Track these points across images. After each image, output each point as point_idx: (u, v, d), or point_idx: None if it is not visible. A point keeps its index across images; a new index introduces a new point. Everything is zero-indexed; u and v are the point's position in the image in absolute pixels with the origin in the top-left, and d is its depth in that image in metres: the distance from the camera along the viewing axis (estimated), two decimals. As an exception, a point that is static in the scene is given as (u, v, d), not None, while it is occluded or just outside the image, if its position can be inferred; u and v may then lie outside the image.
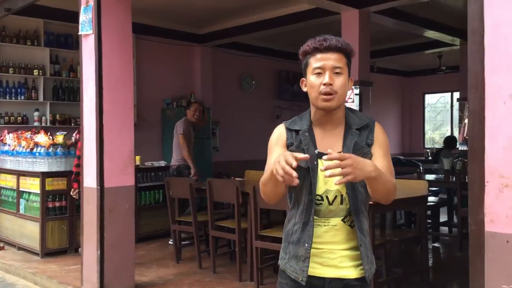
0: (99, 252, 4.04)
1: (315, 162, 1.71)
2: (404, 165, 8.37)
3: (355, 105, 6.21)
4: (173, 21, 7.57)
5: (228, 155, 8.80)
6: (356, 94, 6.20)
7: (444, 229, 6.52)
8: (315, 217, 1.72)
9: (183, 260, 5.30)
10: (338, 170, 1.46)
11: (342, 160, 1.47)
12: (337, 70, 1.69)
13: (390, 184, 1.65)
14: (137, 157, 6.59)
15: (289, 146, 1.78)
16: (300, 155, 1.52)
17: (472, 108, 1.95)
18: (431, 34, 8.05)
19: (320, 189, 1.72)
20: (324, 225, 1.72)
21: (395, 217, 6.09)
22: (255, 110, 9.30)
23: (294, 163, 1.46)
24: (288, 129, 1.81)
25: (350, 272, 1.71)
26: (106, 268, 4.06)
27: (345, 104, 1.80)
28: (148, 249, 5.96)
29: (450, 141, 7.83)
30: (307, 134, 1.77)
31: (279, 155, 1.53)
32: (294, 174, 1.45)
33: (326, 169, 1.46)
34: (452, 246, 5.91)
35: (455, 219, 6.39)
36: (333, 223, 1.72)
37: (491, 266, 1.92)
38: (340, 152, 1.68)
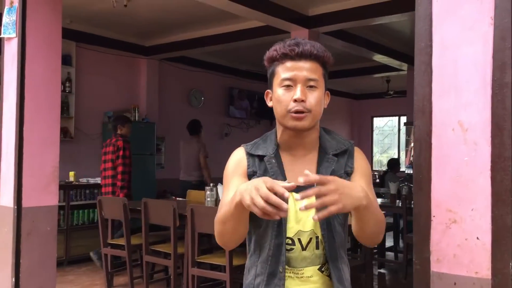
0: (13, 280, 3.60)
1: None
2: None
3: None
4: (118, 32, 7.22)
5: (173, 172, 8.43)
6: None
7: (390, 254, 6.45)
8: (287, 266, 1.40)
9: (115, 287, 4.91)
10: (318, 200, 1.12)
11: (324, 184, 1.13)
12: (311, 83, 1.39)
13: (381, 217, 1.34)
14: (71, 173, 6.17)
15: (250, 176, 1.44)
16: (285, 184, 1.16)
17: (419, 135, 1.78)
18: (379, 58, 8.12)
19: (291, 230, 1.40)
20: (296, 277, 1.40)
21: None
22: (204, 127, 9.02)
23: (287, 194, 1.13)
24: (250, 154, 1.48)
25: None
26: (21, 298, 3.63)
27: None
28: (78, 273, 5.52)
29: (393, 163, 7.88)
30: (273, 160, 1.45)
31: (255, 181, 1.19)
32: (285, 206, 1.12)
33: (302, 198, 1.13)
34: (398, 273, 5.82)
35: (401, 244, 6.33)
36: (308, 274, 1.40)
37: (436, 310, 1.73)
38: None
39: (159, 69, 8.20)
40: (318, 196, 1.14)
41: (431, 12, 1.77)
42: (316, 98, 1.40)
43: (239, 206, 1.23)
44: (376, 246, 1.34)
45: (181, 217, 4.19)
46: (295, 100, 1.37)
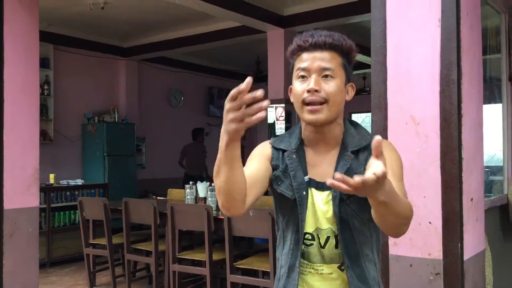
0: (-4, 281, 3.66)
1: (304, 193, 1.36)
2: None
3: (281, 125, 6.23)
4: (96, 33, 7.25)
5: (154, 172, 8.51)
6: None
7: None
8: (305, 261, 1.39)
9: (98, 286, 4.97)
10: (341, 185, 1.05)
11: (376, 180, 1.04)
12: (327, 73, 1.32)
13: (406, 211, 1.20)
14: (51, 175, 6.19)
15: (274, 168, 1.42)
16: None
17: (375, 129, 1.92)
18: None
19: (310, 226, 1.37)
20: (316, 273, 1.38)
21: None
22: (184, 127, 9.08)
23: (244, 85, 1.07)
24: (274, 148, 1.43)
25: None
26: (4, 299, 3.69)
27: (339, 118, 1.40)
28: (61, 274, 5.55)
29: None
30: (294, 156, 1.40)
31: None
32: (242, 86, 1.07)
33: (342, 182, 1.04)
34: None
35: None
36: (328, 271, 1.37)
37: (395, 290, 1.88)
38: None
39: (138, 70, 8.25)
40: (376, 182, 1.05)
41: (385, 15, 1.91)
42: (332, 88, 1.32)
43: (227, 146, 1.17)
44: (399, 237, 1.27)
45: (162, 215, 4.28)
46: (309, 91, 1.31)
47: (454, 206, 1.75)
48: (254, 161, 1.41)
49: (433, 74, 1.80)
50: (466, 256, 1.77)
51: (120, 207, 4.52)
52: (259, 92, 1.07)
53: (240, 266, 3.74)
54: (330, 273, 1.36)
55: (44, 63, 6.66)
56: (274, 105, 6.25)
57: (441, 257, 1.77)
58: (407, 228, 1.26)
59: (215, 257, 3.86)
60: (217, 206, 4.07)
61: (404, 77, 1.87)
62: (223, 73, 9.78)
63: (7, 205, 3.66)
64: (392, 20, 1.89)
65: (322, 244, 1.36)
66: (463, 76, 1.77)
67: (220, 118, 10.09)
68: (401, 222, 1.22)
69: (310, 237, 1.37)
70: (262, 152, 1.44)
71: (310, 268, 1.38)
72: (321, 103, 1.31)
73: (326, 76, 1.32)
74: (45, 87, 6.76)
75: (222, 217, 3.74)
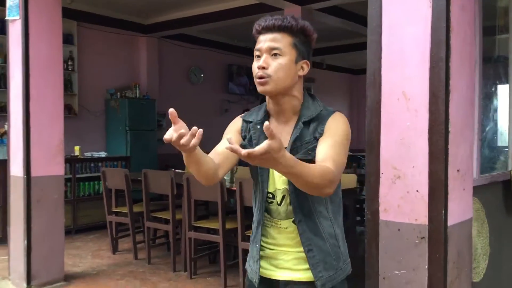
0: (26, 243, 3.95)
1: None
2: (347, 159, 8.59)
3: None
4: (118, 10, 7.43)
5: (174, 147, 8.73)
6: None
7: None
8: (269, 216, 1.61)
9: (120, 252, 5.27)
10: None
11: (265, 152, 1.23)
12: (275, 52, 1.51)
13: (316, 180, 1.36)
14: (76, 148, 6.48)
15: (244, 138, 1.65)
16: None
17: (370, 104, 2.05)
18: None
19: (270, 186, 1.60)
20: (277, 226, 1.60)
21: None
22: (203, 103, 9.27)
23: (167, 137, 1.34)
24: (244, 120, 1.67)
25: (306, 275, 1.57)
26: (33, 259, 3.98)
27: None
28: (85, 240, 5.88)
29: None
30: (258, 126, 1.62)
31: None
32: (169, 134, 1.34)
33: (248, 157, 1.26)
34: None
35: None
36: (284, 226, 1.59)
37: (384, 253, 2.04)
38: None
39: (158, 47, 8.42)
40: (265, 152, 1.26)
41: (381, -4, 2.02)
42: (277, 64, 1.51)
43: (187, 157, 1.43)
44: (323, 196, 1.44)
45: (179, 186, 4.50)
46: (258, 68, 1.52)
47: (439, 176, 1.89)
48: (229, 138, 1.56)
49: (423, 53, 1.92)
50: (450, 223, 1.91)
51: (140, 178, 4.76)
52: (182, 131, 1.31)
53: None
54: (286, 228, 1.59)
55: (68, 39, 6.88)
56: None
57: (426, 223, 1.92)
58: (325, 191, 1.41)
59: (228, 226, 4.08)
60: (230, 178, 4.26)
61: (397, 56, 1.99)
62: (242, 51, 9.87)
63: (34, 173, 3.93)
64: (387, 1, 2.01)
65: (279, 202, 1.59)
66: (452, 54, 1.88)
67: (239, 95, 10.25)
68: (312, 187, 1.38)
69: (271, 196, 1.60)
70: (233, 126, 1.69)
71: (272, 222, 1.61)
72: (268, 77, 1.51)
73: (275, 54, 1.52)
74: (69, 62, 7.01)
75: (235, 189, 3.93)
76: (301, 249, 1.56)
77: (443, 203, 1.89)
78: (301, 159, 1.44)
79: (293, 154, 1.45)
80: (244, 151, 1.21)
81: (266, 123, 1.23)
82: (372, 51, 2.05)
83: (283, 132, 1.58)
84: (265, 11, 6.62)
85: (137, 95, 7.78)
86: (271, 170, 1.59)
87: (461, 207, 2.01)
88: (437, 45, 1.88)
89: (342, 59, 11.63)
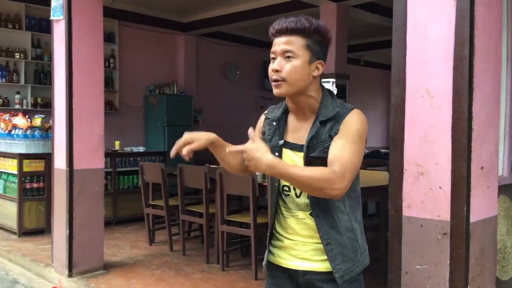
0: (68, 232, 4.17)
1: (276, 154, 1.62)
2: (381, 157, 8.54)
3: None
4: (157, 9, 7.65)
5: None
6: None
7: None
8: (287, 207, 1.68)
9: (156, 243, 5.46)
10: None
11: (242, 152, 1.45)
12: (288, 54, 1.56)
13: (311, 181, 1.45)
14: (117, 142, 6.73)
15: (263, 134, 1.72)
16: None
17: (394, 102, 2.09)
18: (412, 29, 8.14)
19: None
20: (293, 217, 1.66)
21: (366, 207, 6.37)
22: (239, 100, 9.41)
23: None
24: (266, 117, 1.76)
25: (323, 265, 1.62)
26: (74, 247, 4.20)
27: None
28: (124, 231, 6.11)
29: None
30: (274, 123, 1.69)
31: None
32: (173, 151, 1.60)
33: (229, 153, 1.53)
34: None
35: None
36: (301, 217, 1.65)
37: (407, 248, 2.08)
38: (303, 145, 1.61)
39: (196, 45, 8.61)
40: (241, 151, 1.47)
41: (406, -5, 2.05)
42: (290, 67, 1.56)
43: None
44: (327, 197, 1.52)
45: (213, 181, 4.62)
46: (272, 70, 1.60)
47: (462, 172, 1.91)
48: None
49: (447, 51, 1.94)
50: (472, 219, 1.93)
51: (176, 172, 4.92)
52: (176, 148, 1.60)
53: (282, 229, 4.01)
54: (304, 218, 1.65)
55: (109, 37, 7.16)
56: (328, 79, 6.35)
57: (448, 219, 1.94)
58: (329, 193, 1.48)
59: (260, 220, 4.17)
60: (262, 174, 4.35)
61: (421, 54, 2.01)
62: (278, 47, 9.94)
63: (76, 166, 4.14)
64: (412, 0, 2.03)
65: (298, 194, 1.65)
66: (476, 53, 1.90)
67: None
68: (311, 190, 1.50)
69: (287, 189, 1.67)
70: (258, 124, 1.80)
71: (289, 212, 1.68)
72: (282, 80, 1.57)
73: (288, 57, 1.57)
74: (111, 60, 7.28)
75: (266, 184, 4.01)
76: (319, 240, 1.62)
77: (465, 200, 1.91)
78: (318, 157, 1.56)
79: (310, 152, 1.58)
80: (227, 149, 1.48)
81: (250, 129, 1.45)
82: (397, 49, 2.09)
83: (301, 129, 1.64)
84: (301, 8, 6.66)
85: (175, 92, 7.99)
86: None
87: (485, 204, 2.02)
88: (461, 43, 1.90)
89: (380, 55, 11.50)
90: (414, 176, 2.05)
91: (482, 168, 1.99)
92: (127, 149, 6.89)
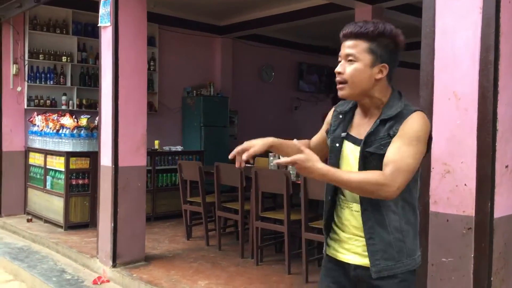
0: (112, 225, 4.44)
1: (337, 145, 1.74)
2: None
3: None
4: (195, 13, 7.91)
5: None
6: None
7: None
8: (343, 197, 1.75)
9: (193, 238, 5.69)
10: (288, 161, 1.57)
11: (292, 163, 1.55)
12: (350, 58, 1.65)
13: (362, 184, 1.55)
14: (156, 142, 7.01)
15: (330, 126, 1.83)
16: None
17: (423, 104, 2.21)
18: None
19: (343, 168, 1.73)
20: (348, 209, 1.73)
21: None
22: (274, 101, 9.57)
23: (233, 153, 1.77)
24: (335, 109, 1.85)
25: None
26: (118, 240, 4.47)
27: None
28: (163, 227, 6.38)
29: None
30: (340, 116, 1.78)
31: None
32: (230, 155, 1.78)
33: (278, 163, 1.60)
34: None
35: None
36: (355, 209, 1.71)
37: (433, 242, 2.20)
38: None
39: (232, 47, 8.83)
40: (291, 163, 1.58)
41: (434, 4, 2.18)
42: (351, 70, 1.65)
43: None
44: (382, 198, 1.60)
45: (248, 179, 4.81)
46: (335, 72, 1.70)
47: (486, 171, 2.02)
48: (322, 128, 1.92)
49: (473, 56, 2.05)
50: (496, 215, 2.03)
51: (213, 171, 5.13)
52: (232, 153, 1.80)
53: (315, 226, 4.16)
54: (357, 211, 1.71)
55: (150, 41, 7.46)
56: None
57: (473, 214, 2.05)
58: (381, 194, 1.56)
59: (293, 217, 4.33)
60: (296, 172, 4.50)
61: (449, 58, 2.13)
62: (313, 49, 10.05)
63: (121, 163, 4.41)
64: (440, 8, 2.14)
65: None
66: (501, 57, 2.00)
67: (309, 93, 10.44)
68: (362, 192, 1.60)
69: None
70: (327, 118, 1.90)
71: (344, 202, 1.76)
72: (344, 82, 1.68)
73: (350, 60, 1.66)
74: (151, 63, 7.59)
75: (299, 182, 4.17)
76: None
77: (489, 196, 2.01)
78: (373, 153, 1.65)
79: (366, 147, 1.67)
80: (274, 161, 1.58)
81: (295, 140, 1.65)
82: (426, 54, 2.21)
83: (364, 125, 1.72)
84: (335, 10, 6.77)
85: (211, 93, 8.23)
86: (347, 157, 1.74)
87: (509, 201, 2.12)
88: (486, 49, 2.01)
89: (415, 56, 11.44)
90: (440, 174, 2.16)
91: (506, 167, 2.09)
92: (166, 148, 7.16)
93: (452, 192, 2.12)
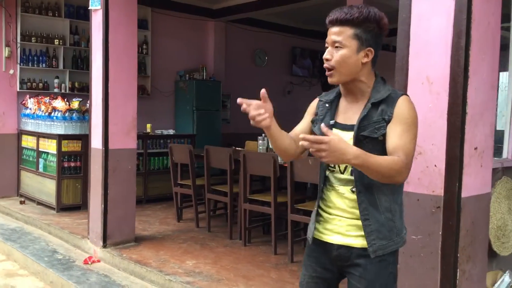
0: (103, 206, 4.53)
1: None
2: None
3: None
4: (188, -4, 7.90)
5: (238, 127, 9.18)
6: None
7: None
8: (331, 182, 1.78)
9: (184, 220, 5.79)
10: (313, 148, 1.49)
11: (319, 143, 1.47)
12: (336, 44, 1.69)
13: (386, 169, 1.56)
14: (148, 125, 7.07)
15: (316, 115, 1.86)
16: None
17: (398, 87, 2.28)
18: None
19: None
20: (335, 191, 1.77)
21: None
22: (267, 85, 9.22)
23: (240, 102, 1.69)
24: (319, 100, 1.88)
25: (356, 241, 1.72)
26: (109, 221, 4.56)
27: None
28: (154, 209, 6.47)
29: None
30: (326, 105, 1.82)
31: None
32: (243, 105, 1.67)
33: (303, 140, 1.50)
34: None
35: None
36: (342, 191, 1.75)
37: (404, 220, 2.28)
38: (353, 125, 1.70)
39: (225, 31, 8.84)
40: (315, 148, 1.49)
41: (410, -10, 2.23)
42: (338, 56, 1.69)
43: (266, 131, 1.72)
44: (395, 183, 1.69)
45: (237, 162, 4.89)
46: (323, 59, 1.75)
47: (455, 152, 2.10)
48: (304, 118, 1.93)
49: (446, 42, 2.11)
50: (464, 195, 2.12)
51: (203, 154, 5.21)
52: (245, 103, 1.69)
53: (301, 208, 4.26)
54: (344, 193, 1.76)
55: (142, 24, 7.47)
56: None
57: (442, 194, 2.14)
58: (396, 180, 1.61)
59: (280, 199, 4.42)
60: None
61: (423, 44, 2.20)
62: (306, 33, 10.06)
63: (111, 146, 4.48)
64: (416, -6, 2.22)
65: (342, 171, 1.77)
66: (472, 43, 2.07)
67: (302, 78, 10.48)
68: (382, 177, 1.59)
69: (332, 165, 1.79)
70: (310, 108, 1.92)
71: (331, 187, 1.80)
72: (332, 69, 1.73)
73: (337, 47, 1.71)
74: (144, 46, 7.60)
75: (286, 165, 4.25)
76: (354, 216, 1.73)
77: (457, 176, 2.10)
78: (367, 136, 1.70)
79: (360, 132, 1.70)
80: (301, 135, 1.51)
81: (322, 124, 1.53)
82: (402, 39, 2.28)
83: (351, 110, 1.75)
84: (327, -5, 6.78)
85: (204, 77, 8.27)
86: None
87: (477, 181, 2.21)
88: (458, 35, 2.08)
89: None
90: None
91: (475, 148, 2.17)
92: (158, 131, 7.23)
93: (423, 172, 2.21)
